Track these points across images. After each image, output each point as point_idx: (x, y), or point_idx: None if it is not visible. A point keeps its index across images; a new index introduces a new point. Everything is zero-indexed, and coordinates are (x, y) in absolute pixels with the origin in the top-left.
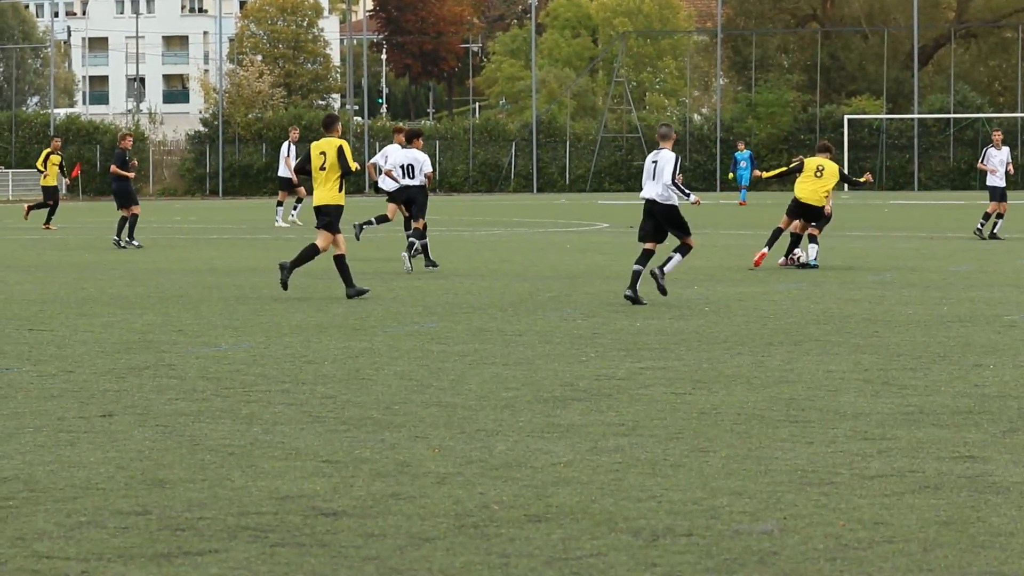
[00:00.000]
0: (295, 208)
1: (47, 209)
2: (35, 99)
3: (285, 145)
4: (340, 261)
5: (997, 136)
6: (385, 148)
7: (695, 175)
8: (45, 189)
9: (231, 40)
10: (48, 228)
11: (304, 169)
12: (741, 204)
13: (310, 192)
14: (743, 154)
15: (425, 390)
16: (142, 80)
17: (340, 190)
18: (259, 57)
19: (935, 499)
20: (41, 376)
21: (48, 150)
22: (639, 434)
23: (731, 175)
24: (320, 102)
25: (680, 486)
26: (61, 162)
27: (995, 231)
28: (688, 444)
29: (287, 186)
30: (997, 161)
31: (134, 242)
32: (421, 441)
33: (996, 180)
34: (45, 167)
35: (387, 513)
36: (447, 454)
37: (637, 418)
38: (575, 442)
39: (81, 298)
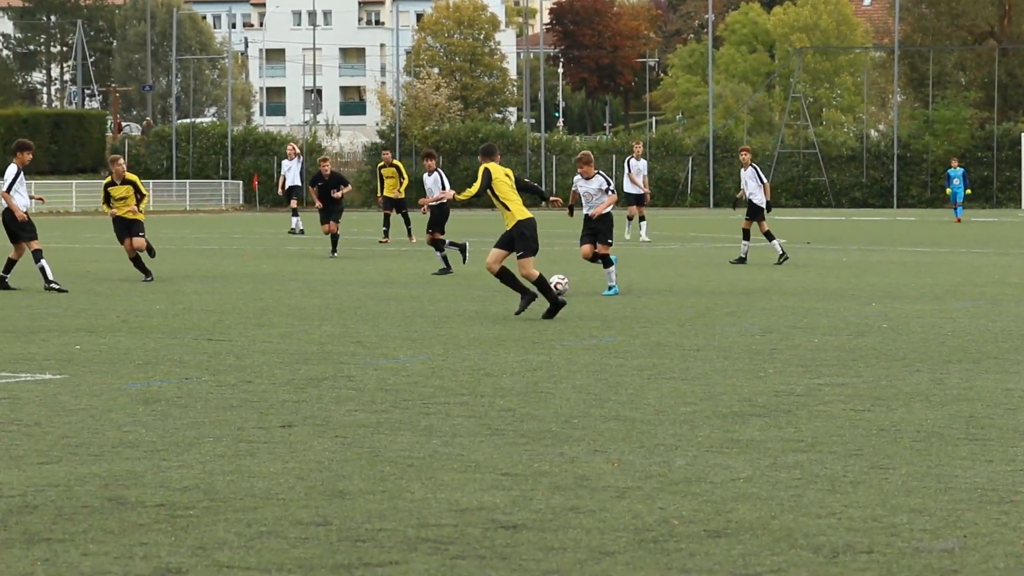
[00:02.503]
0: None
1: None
2: (212, 110)
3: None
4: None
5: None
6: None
7: (872, 191)
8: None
9: (408, 53)
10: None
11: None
12: (956, 221)
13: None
14: (956, 171)
15: (603, 404)
16: (319, 92)
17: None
18: (436, 70)
19: None
20: (220, 386)
21: (380, 163)
22: (818, 451)
23: (948, 191)
24: (496, 115)
25: (860, 503)
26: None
27: None
28: (867, 461)
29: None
30: None
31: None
32: (600, 455)
33: None
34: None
35: (567, 527)
36: (626, 468)
37: (816, 434)
38: (754, 458)
39: (259, 309)
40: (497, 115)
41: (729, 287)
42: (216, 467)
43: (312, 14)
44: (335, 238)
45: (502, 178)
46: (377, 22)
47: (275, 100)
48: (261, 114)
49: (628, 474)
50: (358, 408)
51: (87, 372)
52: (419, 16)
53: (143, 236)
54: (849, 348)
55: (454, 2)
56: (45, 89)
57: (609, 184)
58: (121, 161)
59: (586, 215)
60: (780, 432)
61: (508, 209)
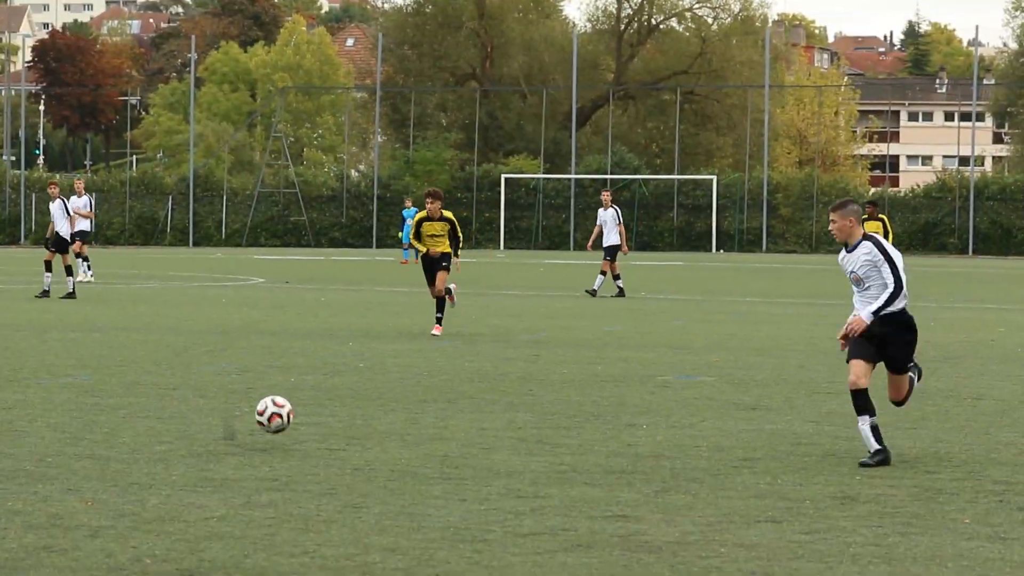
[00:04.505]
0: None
1: None
2: None
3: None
4: None
5: (606, 197)
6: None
7: (351, 231)
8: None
9: None
10: None
11: None
12: (403, 263)
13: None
14: (410, 211)
15: (78, 443)
16: None
17: None
18: None
19: (587, 557)
20: None
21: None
22: (292, 489)
23: (400, 233)
24: None
25: (333, 542)
26: None
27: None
28: (342, 500)
29: None
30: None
31: None
32: (74, 494)
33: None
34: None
35: (39, 566)
36: (100, 507)
37: (291, 473)
38: (228, 496)
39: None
40: None
41: (207, 326)
42: None
43: None
44: None
45: None
46: None
47: None
48: None
49: (102, 513)
50: None
51: None
52: None
53: None
54: (325, 387)
55: None
56: None
57: None
58: None
59: None
60: (255, 471)
61: None
